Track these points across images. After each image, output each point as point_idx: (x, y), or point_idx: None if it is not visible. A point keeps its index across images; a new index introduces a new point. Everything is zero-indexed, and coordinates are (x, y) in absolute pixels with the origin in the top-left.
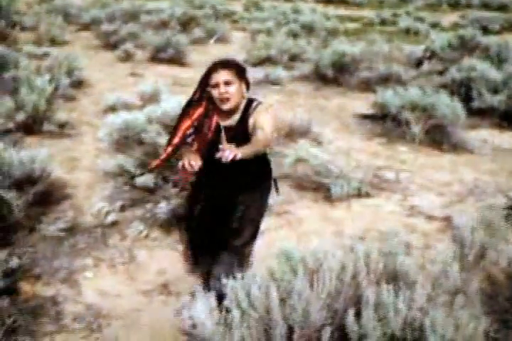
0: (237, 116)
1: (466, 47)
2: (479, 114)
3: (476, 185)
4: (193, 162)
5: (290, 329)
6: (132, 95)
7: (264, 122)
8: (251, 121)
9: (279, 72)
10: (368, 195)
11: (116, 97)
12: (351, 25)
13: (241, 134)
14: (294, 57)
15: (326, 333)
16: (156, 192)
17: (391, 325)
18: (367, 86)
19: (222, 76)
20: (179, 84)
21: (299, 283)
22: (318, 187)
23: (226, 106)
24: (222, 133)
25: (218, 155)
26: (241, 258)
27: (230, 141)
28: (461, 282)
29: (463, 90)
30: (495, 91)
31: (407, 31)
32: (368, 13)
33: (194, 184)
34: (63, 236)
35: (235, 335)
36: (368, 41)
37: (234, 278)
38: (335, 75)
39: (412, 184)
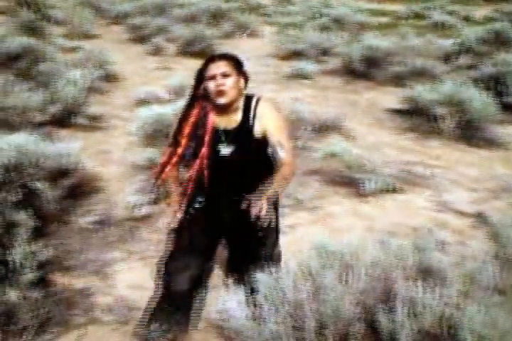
0: (237, 117)
1: (499, 41)
2: None
3: (509, 181)
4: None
5: (321, 324)
6: (162, 89)
7: (279, 135)
8: (257, 124)
9: (310, 66)
10: (399, 191)
11: (147, 91)
12: (382, 19)
13: (244, 137)
14: (324, 51)
15: (357, 328)
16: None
17: (423, 321)
18: (398, 80)
19: (219, 67)
20: None
21: (331, 278)
22: (350, 182)
23: (222, 100)
24: (222, 136)
25: (252, 213)
26: (275, 262)
27: (230, 143)
28: (498, 279)
29: (495, 85)
30: None
31: (439, 25)
32: (400, 7)
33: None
34: (95, 228)
35: (266, 329)
36: (399, 35)
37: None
38: (366, 69)
39: (443, 179)
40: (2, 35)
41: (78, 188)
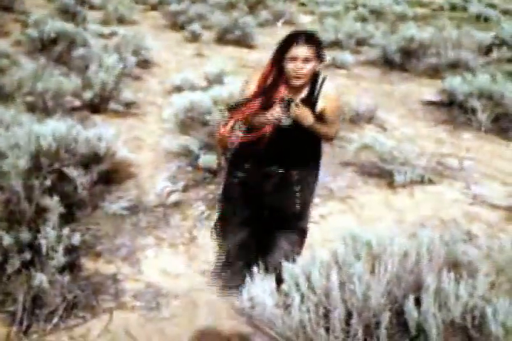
0: (303, 91)
1: None
2: None
3: None
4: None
5: (349, 314)
6: (198, 76)
7: (333, 118)
8: (320, 101)
9: (346, 57)
10: (431, 182)
11: (182, 78)
12: (420, 11)
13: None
14: (361, 42)
15: (385, 319)
16: (219, 174)
17: (451, 312)
18: (434, 72)
19: (303, 51)
20: (245, 66)
21: (360, 268)
22: (382, 173)
23: (298, 83)
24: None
25: (293, 107)
26: (303, 238)
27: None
28: None
29: None
30: None
31: (478, 17)
32: None
33: (237, 156)
34: (126, 214)
35: (293, 318)
36: (437, 27)
37: (294, 259)
38: (402, 61)
39: (476, 172)
40: (38, 20)
41: (110, 174)
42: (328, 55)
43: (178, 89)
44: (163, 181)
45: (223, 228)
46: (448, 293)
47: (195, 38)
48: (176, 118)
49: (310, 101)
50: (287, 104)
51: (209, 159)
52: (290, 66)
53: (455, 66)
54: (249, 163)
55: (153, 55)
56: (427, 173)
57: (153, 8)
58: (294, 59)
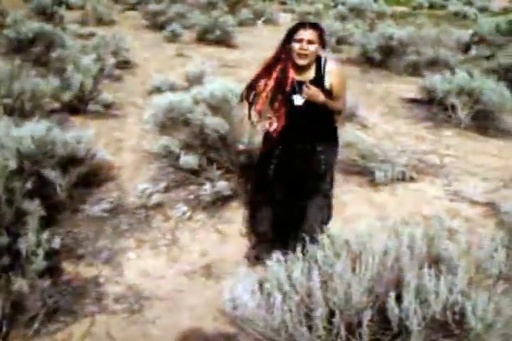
0: (311, 72)
1: None
2: None
3: None
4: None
5: (331, 312)
6: (179, 76)
7: (340, 89)
8: (327, 80)
9: (326, 55)
10: (412, 180)
11: (163, 78)
12: (400, 9)
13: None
14: (341, 40)
15: (367, 316)
16: (201, 174)
17: (432, 308)
18: (414, 70)
19: (308, 34)
20: (226, 66)
21: (341, 266)
22: (363, 171)
23: (302, 62)
24: (308, 85)
25: (304, 89)
26: (330, 201)
27: (303, 94)
28: (505, 268)
29: (510, 75)
30: None
31: (456, 15)
32: None
33: (270, 139)
34: (106, 217)
35: (276, 318)
36: (416, 25)
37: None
38: (382, 59)
39: (456, 169)
40: (16, 20)
41: (90, 176)
42: None
43: (159, 89)
44: (143, 182)
45: (259, 207)
46: (428, 289)
47: (175, 37)
48: (156, 118)
49: (318, 81)
50: (299, 87)
51: (190, 159)
52: (296, 46)
53: (434, 64)
54: (280, 144)
55: (133, 55)
56: (408, 171)
57: (133, 8)
58: (300, 40)
